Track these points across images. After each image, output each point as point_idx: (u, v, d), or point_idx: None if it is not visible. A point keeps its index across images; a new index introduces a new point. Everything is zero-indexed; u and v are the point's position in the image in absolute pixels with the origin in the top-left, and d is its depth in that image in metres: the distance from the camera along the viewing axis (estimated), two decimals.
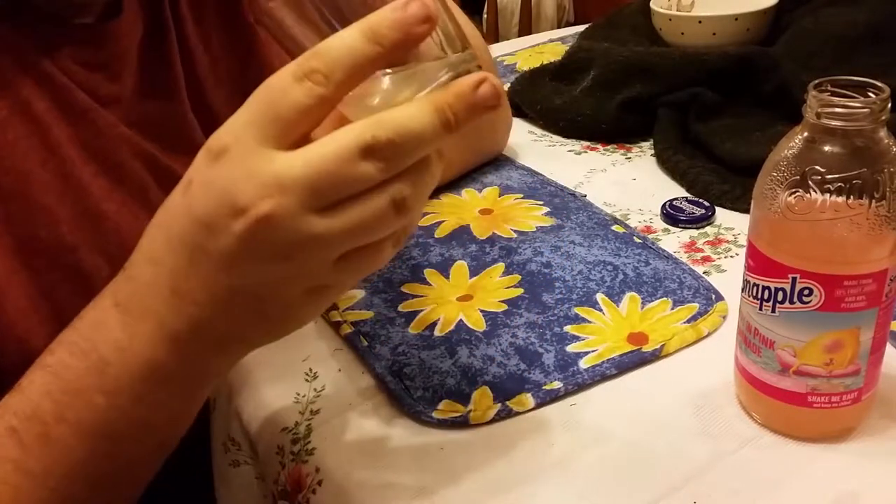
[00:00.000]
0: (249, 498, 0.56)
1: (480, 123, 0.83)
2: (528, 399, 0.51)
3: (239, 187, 0.35)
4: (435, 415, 0.50)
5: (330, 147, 0.35)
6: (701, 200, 0.71)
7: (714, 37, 0.92)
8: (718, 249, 0.65)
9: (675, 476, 0.45)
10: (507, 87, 0.97)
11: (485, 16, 2.88)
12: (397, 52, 0.35)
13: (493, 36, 2.73)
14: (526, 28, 2.78)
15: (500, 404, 0.51)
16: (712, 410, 0.50)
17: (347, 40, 0.34)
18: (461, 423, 0.50)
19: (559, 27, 2.93)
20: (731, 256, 0.64)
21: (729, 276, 0.61)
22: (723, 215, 0.70)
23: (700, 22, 0.93)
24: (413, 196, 0.37)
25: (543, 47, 1.16)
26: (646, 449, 0.47)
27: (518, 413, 0.50)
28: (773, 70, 0.82)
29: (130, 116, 0.55)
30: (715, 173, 0.74)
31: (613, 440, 0.48)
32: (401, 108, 0.35)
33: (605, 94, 0.86)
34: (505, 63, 1.11)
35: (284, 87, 0.35)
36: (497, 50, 1.17)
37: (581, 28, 1.15)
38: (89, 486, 0.42)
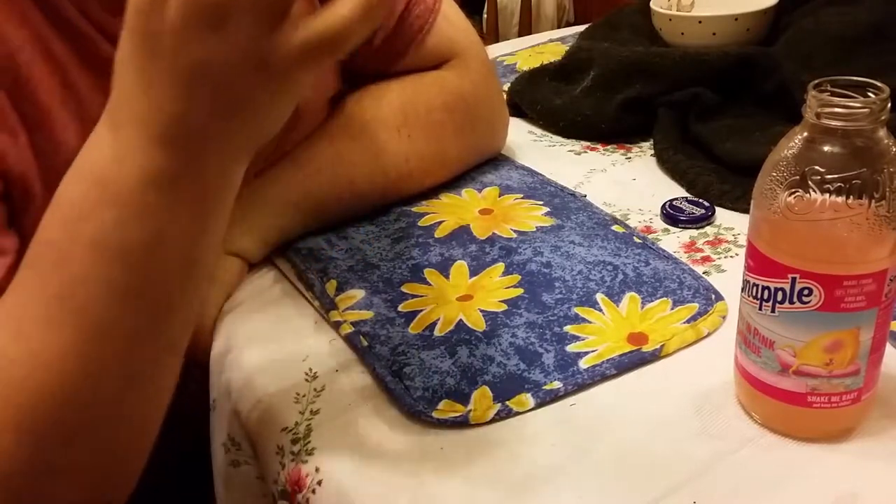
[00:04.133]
0: (249, 498, 0.56)
1: (478, 122, 0.83)
2: (528, 399, 0.51)
3: None
4: (435, 415, 0.50)
5: None
6: (701, 200, 0.71)
7: (714, 37, 0.92)
8: (718, 249, 0.65)
9: (675, 476, 0.45)
10: (506, 87, 0.97)
11: (485, 16, 2.87)
12: None
13: (493, 36, 2.73)
14: (526, 28, 2.77)
15: (499, 404, 0.51)
16: (712, 410, 0.50)
17: None
18: (461, 423, 0.50)
19: (559, 27, 2.93)
20: (731, 256, 0.64)
21: (729, 276, 0.61)
22: (723, 215, 0.70)
23: (700, 22, 0.93)
24: None
25: (543, 47, 1.16)
26: (646, 449, 0.47)
27: (518, 413, 0.50)
28: (773, 70, 0.82)
29: None
30: (715, 173, 0.74)
31: (613, 440, 0.48)
32: None
33: (605, 94, 0.86)
34: (505, 63, 1.11)
35: None
36: (497, 50, 1.17)
37: (581, 28, 1.15)
38: (115, 305, 0.42)
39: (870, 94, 0.41)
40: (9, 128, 0.46)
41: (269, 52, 0.38)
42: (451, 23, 0.76)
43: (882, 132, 0.41)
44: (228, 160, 0.43)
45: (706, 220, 0.69)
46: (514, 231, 0.68)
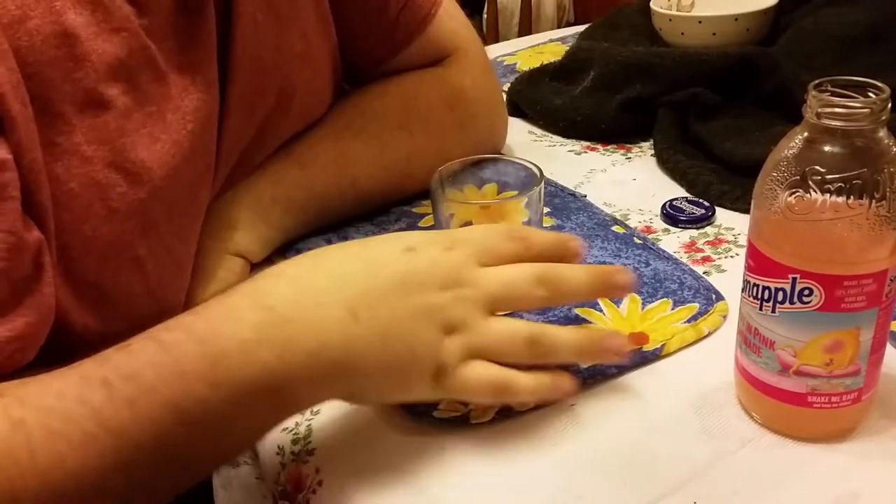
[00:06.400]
0: (249, 498, 0.56)
1: (479, 119, 0.83)
2: None
3: (456, 271, 0.47)
4: (435, 414, 0.50)
5: (516, 274, 0.49)
6: (701, 200, 0.71)
7: (714, 37, 0.92)
8: (718, 249, 0.65)
9: (675, 476, 0.45)
10: (506, 87, 0.97)
11: (485, 16, 2.87)
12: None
13: (493, 36, 2.73)
14: (526, 28, 2.77)
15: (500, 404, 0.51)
16: (712, 410, 0.50)
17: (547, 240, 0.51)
18: (461, 423, 0.50)
19: (559, 27, 2.93)
20: (731, 256, 0.64)
21: (729, 276, 0.61)
22: (723, 215, 0.70)
23: (700, 22, 0.93)
24: (544, 346, 0.47)
25: (543, 47, 1.16)
26: (646, 449, 0.47)
27: (518, 413, 0.50)
28: (773, 70, 0.82)
29: (164, 29, 0.54)
30: (715, 173, 0.74)
31: (613, 440, 0.48)
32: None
33: (605, 94, 0.86)
34: (505, 63, 1.11)
35: (501, 237, 0.49)
36: (497, 50, 1.17)
37: (581, 28, 1.15)
38: (153, 462, 0.42)
39: (870, 94, 0.41)
40: (20, 96, 0.45)
41: (452, 358, 0.46)
42: (452, 16, 0.77)
43: (882, 132, 0.41)
44: (339, 394, 0.46)
45: (706, 220, 0.69)
46: None
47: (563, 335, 0.48)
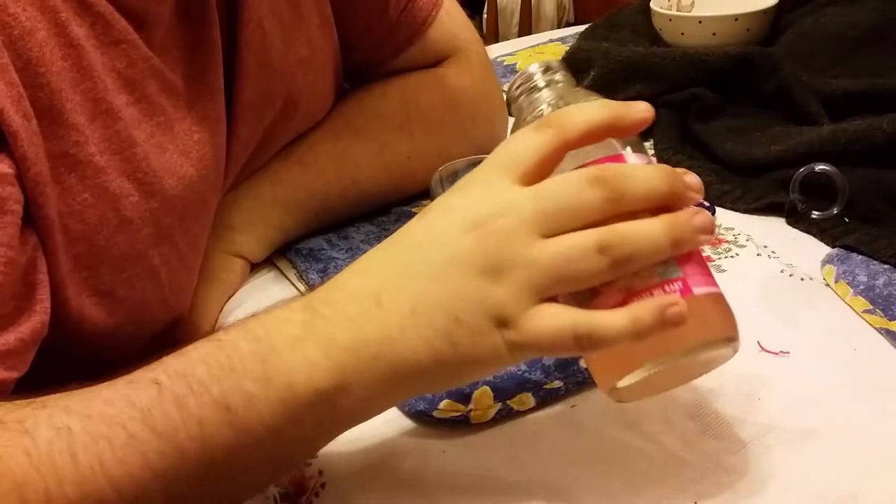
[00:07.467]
0: (252, 500, 0.56)
1: (479, 119, 0.83)
2: (529, 398, 0.51)
3: (477, 208, 0.40)
4: (435, 414, 0.50)
5: (561, 178, 0.40)
6: (701, 200, 0.71)
7: (714, 37, 0.92)
8: (718, 250, 0.65)
9: (675, 477, 0.45)
10: (506, 87, 0.97)
11: (485, 16, 2.87)
12: (622, 132, 0.42)
13: (493, 36, 2.73)
14: (526, 28, 2.77)
15: (500, 404, 0.51)
16: (712, 411, 0.50)
17: (587, 110, 0.42)
18: (462, 423, 0.50)
19: (559, 27, 2.93)
20: (732, 257, 0.64)
21: (729, 276, 0.61)
22: (723, 215, 0.70)
23: (700, 22, 0.93)
24: (621, 248, 0.38)
25: (543, 47, 1.16)
26: (646, 450, 0.48)
27: (519, 412, 0.51)
28: (773, 70, 0.82)
29: (167, 41, 0.54)
30: (715, 173, 0.74)
31: (613, 441, 0.48)
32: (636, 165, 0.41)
33: (605, 94, 0.86)
34: (505, 63, 1.11)
35: (524, 134, 0.41)
36: (497, 50, 1.17)
37: (581, 28, 1.15)
38: (198, 469, 0.39)
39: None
40: (23, 110, 0.44)
41: (519, 314, 0.39)
42: (453, 17, 0.77)
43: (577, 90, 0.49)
44: (396, 398, 0.44)
45: None
46: None
47: (643, 228, 0.39)
